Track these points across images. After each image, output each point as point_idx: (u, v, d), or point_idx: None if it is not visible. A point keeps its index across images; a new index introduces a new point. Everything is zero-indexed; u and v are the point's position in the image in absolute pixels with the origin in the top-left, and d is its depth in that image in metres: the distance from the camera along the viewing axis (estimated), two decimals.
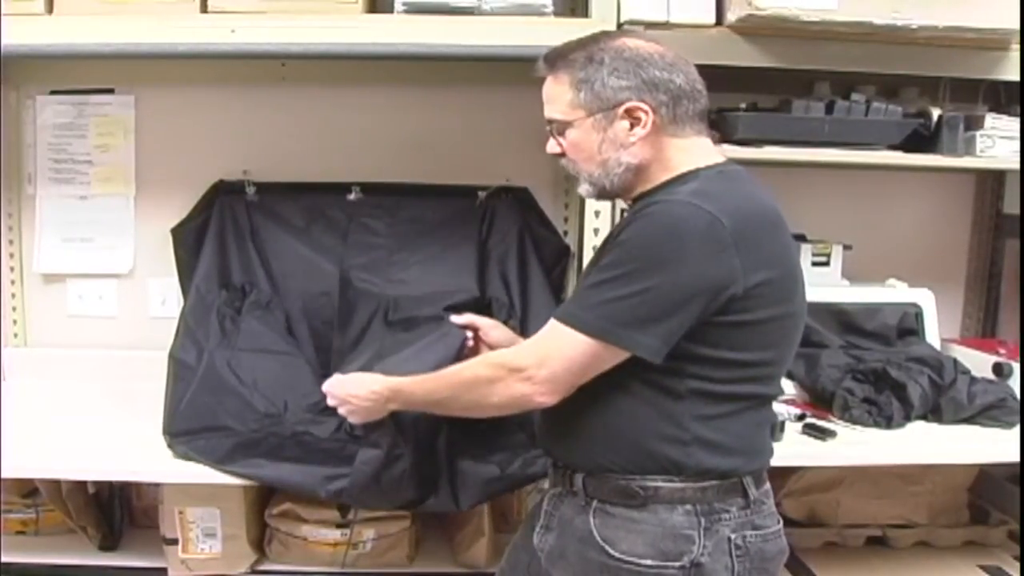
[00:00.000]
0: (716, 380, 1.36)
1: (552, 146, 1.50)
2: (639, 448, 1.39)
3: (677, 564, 1.37)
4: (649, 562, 1.37)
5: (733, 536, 1.39)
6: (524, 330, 2.13)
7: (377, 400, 1.63)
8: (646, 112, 1.40)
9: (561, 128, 1.46)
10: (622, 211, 1.94)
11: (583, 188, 1.50)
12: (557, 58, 1.46)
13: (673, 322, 1.31)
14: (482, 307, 2.20)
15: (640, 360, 1.34)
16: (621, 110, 1.40)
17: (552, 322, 1.40)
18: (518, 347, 1.51)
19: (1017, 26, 1.90)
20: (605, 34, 1.49)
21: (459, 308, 2.01)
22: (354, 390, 1.67)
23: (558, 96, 1.45)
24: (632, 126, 1.41)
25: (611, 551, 1.39)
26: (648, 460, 1.38)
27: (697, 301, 1.30)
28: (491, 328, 1.84)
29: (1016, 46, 1.99)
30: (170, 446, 1.90)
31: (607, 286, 1.33)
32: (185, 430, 1.90)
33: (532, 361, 1.39)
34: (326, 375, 2.08)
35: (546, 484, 1.61)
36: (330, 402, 1.71)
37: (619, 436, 1.40)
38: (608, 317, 1.32)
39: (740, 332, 1.34)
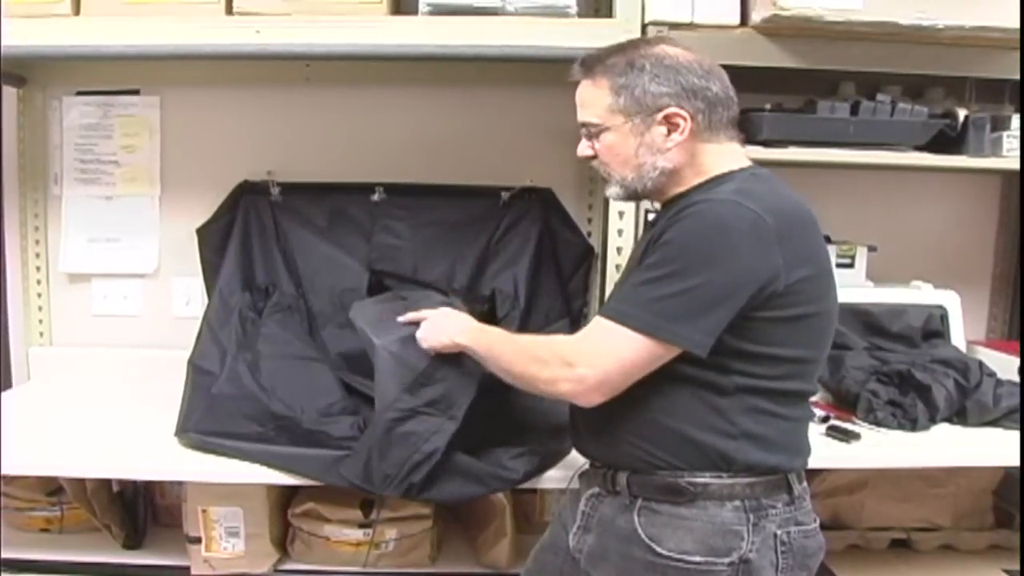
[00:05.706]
0: (761, 376, 1.37)
1: (584, 149, 1.51)
2: (688, 443, 1.39)
3: (726, 560, 1.37)
4: (698, 559, 1.37)
5: (779, 532, 1.39)
6: (524, 324, 2.16)
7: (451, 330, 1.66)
8: (684, 119, 1.41)
9: (597, 132, 1.47)
10: (646, 212, 1.94)
11: (612, 190, 1.51)
12: (595, 63, 1.47)
13: (719, 316, 1.32)
14: (484, 299, 2.23)
15: (685, 358, 1.35)
16: (660, 116, 1.42)
17: (600, 320, 1.40)
18: (571, 340, 1.46)
19: None
20: (644, 41, 1.51)
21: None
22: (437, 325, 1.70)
23: (595, 100, 1.46)
24: (669, 132, 1.43)
25: (658, 549, 1.39)
26: (697, 455, 1.39)
27: (741, 295, 1.32)
28: None
29: None
30: (178, 435, 1.92)
31: (656, 284, 1.34)
32: (199, 431, 1.91)
33: (583, 360, 1.38)
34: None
35: (575, 485, 1.61)
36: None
37: (667, 432, 1.40)
38: (659, 313, 1.33)
39: (781, 328, 1.36)
